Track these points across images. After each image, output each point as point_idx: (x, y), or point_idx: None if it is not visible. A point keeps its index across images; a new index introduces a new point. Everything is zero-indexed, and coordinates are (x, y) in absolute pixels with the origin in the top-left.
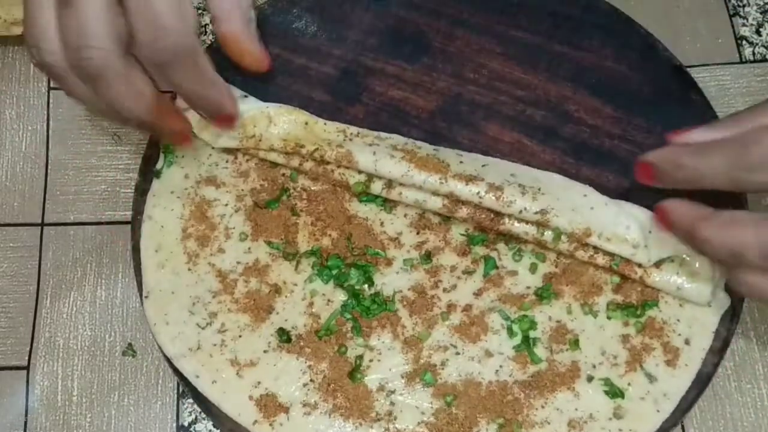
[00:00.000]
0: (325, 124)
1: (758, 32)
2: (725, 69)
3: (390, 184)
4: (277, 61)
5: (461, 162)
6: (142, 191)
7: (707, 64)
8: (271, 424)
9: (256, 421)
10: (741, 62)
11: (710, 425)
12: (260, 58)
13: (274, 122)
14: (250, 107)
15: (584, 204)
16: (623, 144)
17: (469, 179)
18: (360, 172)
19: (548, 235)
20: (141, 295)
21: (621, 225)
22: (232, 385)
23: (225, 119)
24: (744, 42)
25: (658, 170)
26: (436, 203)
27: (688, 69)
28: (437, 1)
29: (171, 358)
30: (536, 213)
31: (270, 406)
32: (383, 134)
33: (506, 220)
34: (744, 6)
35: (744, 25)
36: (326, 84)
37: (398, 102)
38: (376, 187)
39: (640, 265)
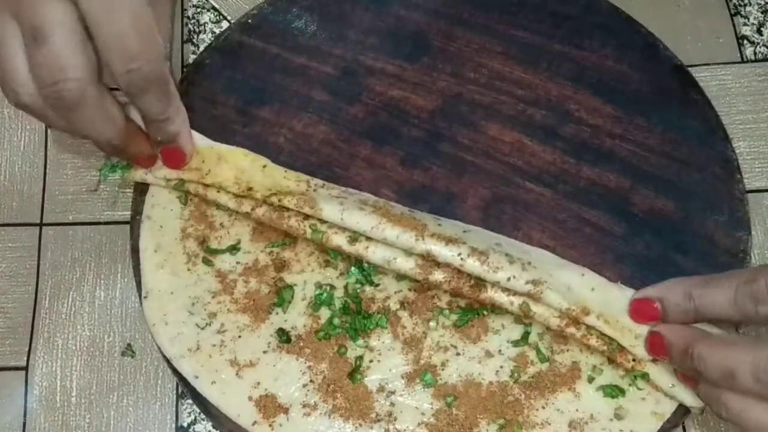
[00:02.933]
0: (285, 171)
1: (759, 31)
2: (726, 68)
3: (355, 237)
4: (276, 61)
5: (440, 224)
6: (140, 191)
7: (708, 64)
8: (270, 425)
9: (255, 422)
10: (742, 61)
11: (711, 426)
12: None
13: (225, 159)
14: (202, 143)
15: (582, 283)
16: (624, 143)
17: (450, 240)
18: (323, 222)
19: (538, 308)
20: (140, 296)
21: (626, 311)
22: (231, 385)
23: (175, 154)
24: (745, 41)
25: (665, 305)
26: (407, 264)
27: (689, 68)
28: (437, 1)
29: (170, 359)
30: (527, 283)
31: (269, 406)
32: (351, 189)
33: (489, 288)
34: (745, 5)
35: (745, 24)
36: (326, 83)
37: (398, 101)
38: (339, 240)
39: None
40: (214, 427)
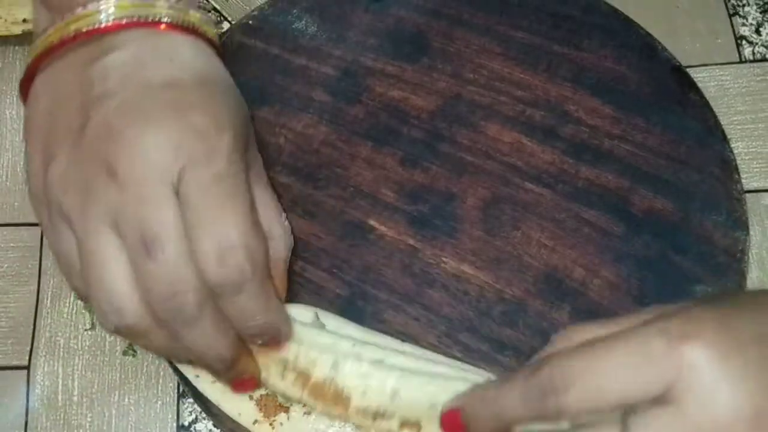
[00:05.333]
0: None
1: (758, 32)
2: (725, 69)
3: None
4: (277, 62)
5: (365, 392)
6: None
7: (707, 64)
8: (271, 424)
9: (256, 421)
10: (740, 62)
11: None
12: (285, 285)
13: None
14: None
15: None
16: (623, 144)
17: (377, 414)
18: None
19: None
20: None
21: None
22: None
23: (273, 343)
24: (744, 42)
25: (466, 414)
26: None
27: (688, 69)
28: (437, 2)
29: None
30: None
31: (270, 405)
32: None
33: None
34: (743, 5)
35: (743, 24)
36: (326, 84)
37: (398, 102)
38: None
39: None
40: (215, 425)
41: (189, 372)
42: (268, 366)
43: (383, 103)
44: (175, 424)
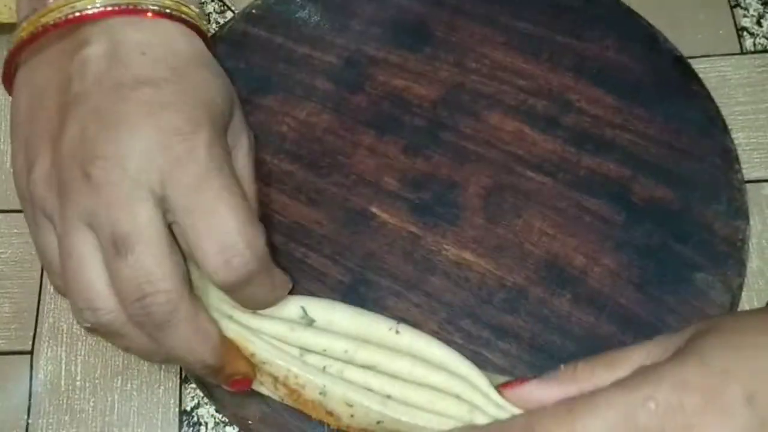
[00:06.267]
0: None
1: (759, 23)
2: (726, 60)
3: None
4: (280, 51)
5: (352, 416)
6: None
7: (708, 55)
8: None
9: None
10: (742, 53)
11: None
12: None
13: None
14: None
15: None
16: (624, 133)
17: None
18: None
19: None
20: None
21: None
22: None
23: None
24: (745, 33)
25: None
26: None
27: (689, 60)
28: None
29: None
30: None
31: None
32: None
33: None
34: None
35: (745, 16)
36: (329, 73)
37: (401, 91)
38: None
39: None
40: (217, 410)
41: None
42: (260, 376)
43: (386, 91)
44: (177, 409)
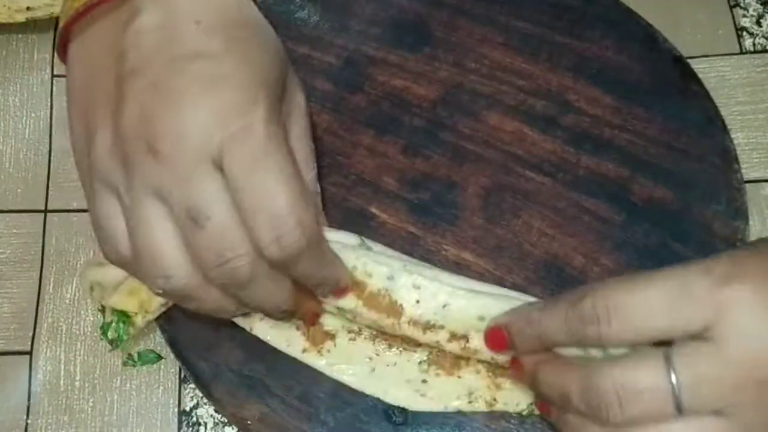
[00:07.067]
0: None
1: (759, 23)
2: (725, 60)
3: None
4: None
5: (417, 302)
6: None
7: (708, 55)
8: (319, 351)
9: (305, 350)
10: (741, 53)
11: None
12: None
13: None
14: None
15: None
16: (623, 133)
17: (427, 327)
18: None
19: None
20: None
21: None
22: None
23: (339, 292)
24: (744, 33)
25: (510, 332)
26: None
27: (689, 60)
28: None
29: None
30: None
31: (317, 334)
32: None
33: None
34: None
35: (744, 16)
36: (329, 73)
37: (400, 91)
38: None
39: None
40: (216, 411)
41: None
42: None
43: (385, 92)
44: (176, 410)
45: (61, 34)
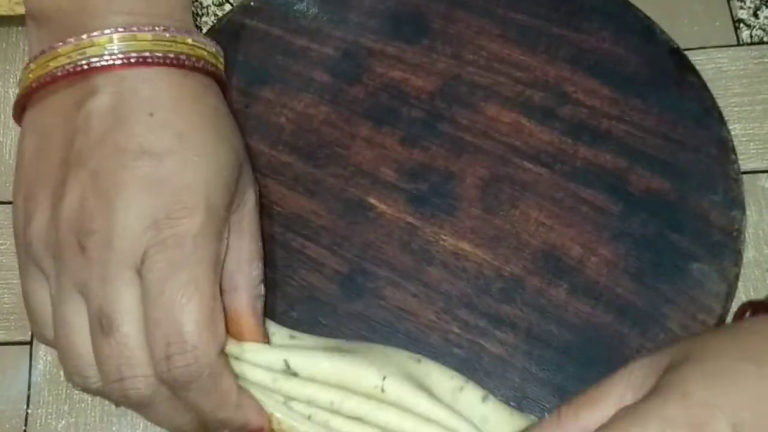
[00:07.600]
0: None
1: (756, 15)
2: (722, 51)
3: None
4: (278, 43)
5: None
6: None
7: (705, 47)
8: None
9: None
10: (738, 45)
11: None
12: (259, 337)
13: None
14: None
15: None
16: (621, 124)
17: None
18: None
19: None
20: None
21: None
22: None
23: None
24: (741, 25)
25: None
26: None
27: (686, 52)
28: None
29: None
30: None
31: None
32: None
33: None
34: None
35: (741, 8)
36: (327, 65)
37: (398, 83)
38: None
39: None
40: None
41: None
42: None
43: (383, 83)
44: None
45: (15, 102)
